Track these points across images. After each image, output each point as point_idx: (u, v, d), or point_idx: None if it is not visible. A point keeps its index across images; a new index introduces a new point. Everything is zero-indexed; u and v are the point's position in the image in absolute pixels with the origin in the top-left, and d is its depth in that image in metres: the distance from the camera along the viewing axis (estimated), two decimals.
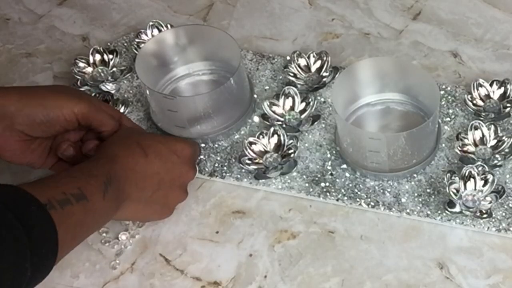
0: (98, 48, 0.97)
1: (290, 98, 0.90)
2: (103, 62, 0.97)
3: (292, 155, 0.86)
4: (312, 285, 0.80)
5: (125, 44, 1.01)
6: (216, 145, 0.91)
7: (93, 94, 0.94)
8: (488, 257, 0.80)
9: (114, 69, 0.97)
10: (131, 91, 0.97)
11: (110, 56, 0.97)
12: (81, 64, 0.97)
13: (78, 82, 0.96)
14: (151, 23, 0.99)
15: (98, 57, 0.97)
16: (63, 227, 0.67)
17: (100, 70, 0.97)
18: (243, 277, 0.81)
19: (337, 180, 0.86)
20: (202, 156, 0.89)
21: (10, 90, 0.83)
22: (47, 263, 0.65)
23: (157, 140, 0.81)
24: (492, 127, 0.86)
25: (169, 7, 1.06)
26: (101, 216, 0.74)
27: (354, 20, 1.03)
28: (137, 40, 0.99)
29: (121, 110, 0.93)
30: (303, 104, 0.90)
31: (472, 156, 0.85)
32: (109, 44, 1.01)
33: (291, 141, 0.87)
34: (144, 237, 0.84)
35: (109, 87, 0.95)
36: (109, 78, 0.96)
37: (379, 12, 1.04)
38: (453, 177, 0.82)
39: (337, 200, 0.85)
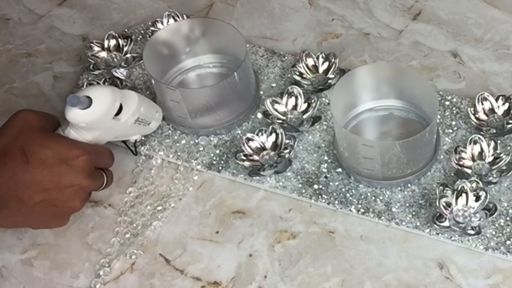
0: (114, 33, 0.98)
1: (293, 98, 0.90)
2: (118, 48, 0.98)
3: (287, 155, 0.86)
4: (312, 285, 0.80)
5: (142, 32, 1.02)
6: (217, 139, 0.91)
7: (103, 79, 0.95)
8: (488, 257, 0.80)
9: (128, 55, 0.97)
10: (142, 78, 0.97)
11: (125, 42, 0.98)
12: (96, 48, 0.98)
13: (91, 66, 0.97)
14: (167, 13, 0.99)
15: (113, 42, 0.98)
16: None
17: (113, 56, 0.97)
18: (243, 277, 0.81)
19: (331, 183, 0.86)
20: (201, 148, 0.89)
21: None
22: None
23: (46, 146, 0.74)
24: (492, 142, 0.84)
25: (169, 7, 1.06)
26: None
27: (354, 20, 1.03)
28: (152, 28, 0.99)
29: None
30: (306, 104, 0.90)
31: (468, 170, 0.83)
32: (126, 30, 1.01)
33: (287, 140, 0.87)
34: (144, 237, 0.84)
35: (120, 73, 0.96)
36: (122, 64, 0.97)
37: (379, 12, 1.04)
38: (445, 191, 0.81)
39: (328, 203, 0.84)
